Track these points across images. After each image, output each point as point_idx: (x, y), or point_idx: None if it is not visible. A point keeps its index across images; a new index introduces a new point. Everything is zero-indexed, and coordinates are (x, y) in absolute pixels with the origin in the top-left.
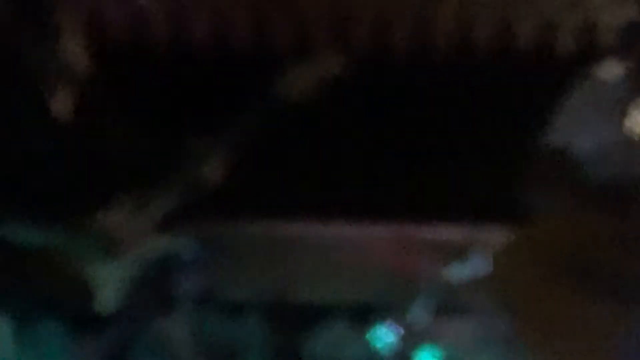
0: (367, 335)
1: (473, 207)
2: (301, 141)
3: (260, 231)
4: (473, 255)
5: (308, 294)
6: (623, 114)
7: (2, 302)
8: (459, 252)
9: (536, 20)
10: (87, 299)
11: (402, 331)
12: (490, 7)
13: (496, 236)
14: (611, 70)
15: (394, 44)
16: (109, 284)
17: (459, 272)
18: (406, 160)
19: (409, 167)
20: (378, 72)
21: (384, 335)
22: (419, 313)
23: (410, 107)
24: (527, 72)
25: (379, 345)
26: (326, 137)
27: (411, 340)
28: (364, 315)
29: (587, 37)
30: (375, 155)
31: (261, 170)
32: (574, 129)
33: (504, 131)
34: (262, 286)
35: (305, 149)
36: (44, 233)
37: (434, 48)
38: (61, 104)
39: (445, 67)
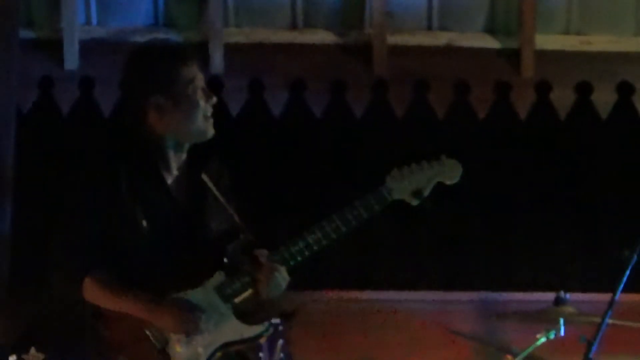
0: None
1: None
2: (386, 215)
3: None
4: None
5: None
6: None
7: None
8: (543, 321)
9: (614, 82)
10: None
11: None
12: (569, 68)
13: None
14: None
15: (473, 106)
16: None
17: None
18: (485, 228)
19: (488, 236)
20: (456, 135)
21: None
22: None
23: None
24: (605, 134)
25: None
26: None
27: None
28: None
29: None
30: (454, 225)
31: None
32: None
33: (586, 198)
34: (347, 354)
35: (388, 222)
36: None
37: (512, 110)
38: None
39: (524, 126)
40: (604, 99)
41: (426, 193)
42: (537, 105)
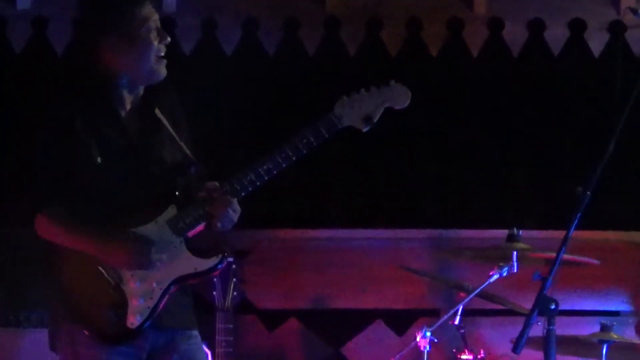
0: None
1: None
2: (341, 154)
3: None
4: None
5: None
6: None
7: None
8: (497, 257)
9: (566, 18)
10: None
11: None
12: (521, 5)
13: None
14: None
15: (426, 43)
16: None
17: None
18: (439, 165)
19: (442, 173)
20: (409, 72)
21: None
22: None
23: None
24: (558, 71)
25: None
26: (365, 150)
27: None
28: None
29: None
30: (408, 162)
31: (299, 181)
32: None
33: (539, 135)
34: (301, 292)
35: (344, 161)
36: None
37: (465, 47)
38: None
39: (477, 63)
40: (556, 36)
41: (376, 118)
42: (490, 42)
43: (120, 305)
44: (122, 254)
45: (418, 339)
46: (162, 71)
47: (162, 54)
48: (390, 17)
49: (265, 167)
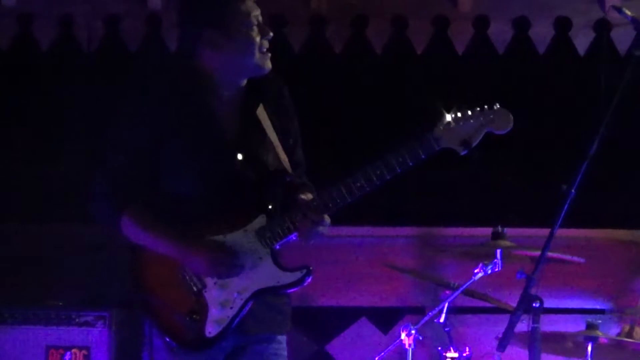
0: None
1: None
2: (326, 151)
3: None
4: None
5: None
6: None
7: None
8: (481, 255)
9: (552, 17)
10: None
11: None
12: (507, 3)
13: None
14: None
15: (411, 41)
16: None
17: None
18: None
19: (427, 171)
20: (394, 70)
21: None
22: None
23: None
24: (543, 69)
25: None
26: (350, 147)
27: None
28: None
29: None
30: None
31: None
32: None
33: (524, 133)
34: None
35: (328, 158)
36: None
37: (450, 45)
38: None
39: (462, 61)
40: (541, 34)
41: (475, 143)
42: (475, 40)
43: (200, 312)
44: (203, 260)
45: (403, 337)
46: (267, 65)
47: (265, 49)
48: (376, 14)
49: (358, 183)
